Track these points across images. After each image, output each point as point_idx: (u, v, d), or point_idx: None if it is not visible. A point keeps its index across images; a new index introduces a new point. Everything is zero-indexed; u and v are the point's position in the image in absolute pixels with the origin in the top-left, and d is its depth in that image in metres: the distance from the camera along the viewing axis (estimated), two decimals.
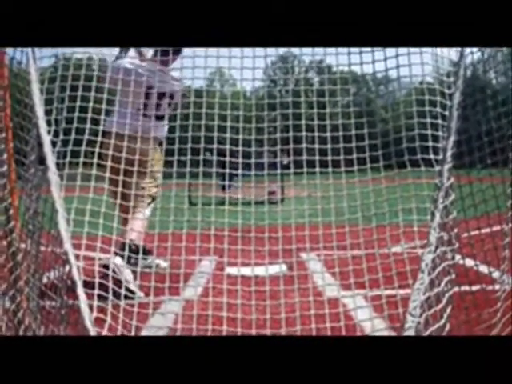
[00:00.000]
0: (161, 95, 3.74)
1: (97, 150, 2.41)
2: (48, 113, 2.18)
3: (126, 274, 3.13)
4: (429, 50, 2.41)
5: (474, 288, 2.40)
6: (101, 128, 2.51)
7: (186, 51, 2.51)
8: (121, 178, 2.47)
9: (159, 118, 3.84)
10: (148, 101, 3.40)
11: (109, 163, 2.41)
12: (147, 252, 4.04)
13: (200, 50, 2.48)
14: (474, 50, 2.40)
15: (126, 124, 2.83)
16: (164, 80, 3.69)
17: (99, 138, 2.44)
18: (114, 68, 3.22)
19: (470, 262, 2.42)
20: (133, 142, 2.57)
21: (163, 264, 3.94)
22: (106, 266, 2.97)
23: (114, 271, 2.87)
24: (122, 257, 3.17)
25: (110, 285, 2.03)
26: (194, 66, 2.52)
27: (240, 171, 2.51)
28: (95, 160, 2.46)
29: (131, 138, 2.67)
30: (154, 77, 3.27)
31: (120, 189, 2.46)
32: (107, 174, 2.49)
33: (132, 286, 3.04)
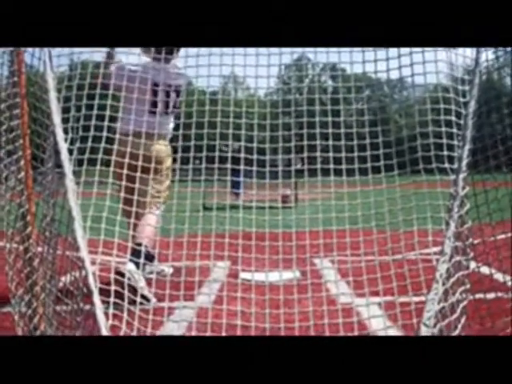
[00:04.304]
0: (167, 91, 3.78)
1: (99, 156, 2.41)
2: (65, 121, 2.20)
3: (140, 281, 3.15)
4: (444, 57, 2.41)
5: (489, 296, 2.39)
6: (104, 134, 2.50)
7: (203, 53, 2.51)
8: (125, 172, 2.44)
9: (166, 114, 3.88)
10: (154, 98, 3.42)
11: (113, 158, 2.43)
12: (151, 258, 4.01)
13: (215, 55, 2.50)
14: (490, 57, 2.39)
15: (130, 121, 2.85)
16: (169, 76, 3.80)
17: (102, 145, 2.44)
18: (119, 68, 3.25)
19: (485, 270, 2.41)
20: (139, 139, 2.63)
21: (167, 270, 3.93)
22: (121, 274, 2.98)
23: (129, 278, 2.89)
24: (136, 263, 3.18)
25: (126, 292, 2.05)
26: (209, 73, 2.54)
27: (254, 179, 2.53)
28: (103, 168, 2.45)
29: (137, 135, 2.73)
30: (159, 74, 3.35)
31: (122, 194, 2.42)
32: (113, 180, 2.50)
33: (146, 293, 3.05)
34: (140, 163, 2.51)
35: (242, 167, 2.59)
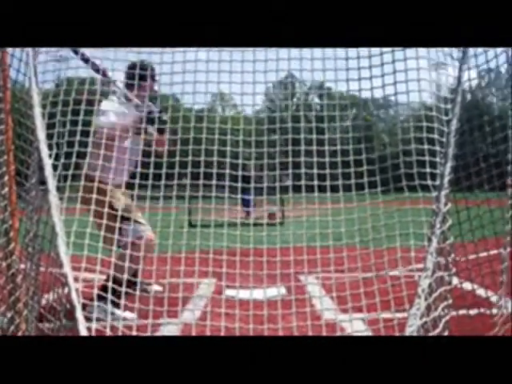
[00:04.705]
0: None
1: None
2: (49, 137, 2.20)
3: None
4: (427, 76, 2.45)
5: (472, 312, 2.40)
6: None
7: (188, 71, 2.52)
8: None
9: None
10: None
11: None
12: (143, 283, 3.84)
13: (201, 73, 2.52)
14: (473, 75, 2.43)
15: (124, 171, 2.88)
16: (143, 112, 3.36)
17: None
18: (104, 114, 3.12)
19: (467, 286, 2.43)
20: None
21: (156, 288, 3.88)
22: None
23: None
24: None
25: (109, 308, 2.04)
26: (195, 90, 2.56)
27: (239, 195, 2.54)
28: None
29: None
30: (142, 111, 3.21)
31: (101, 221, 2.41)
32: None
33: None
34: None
35: (252, 185, 2.61)
